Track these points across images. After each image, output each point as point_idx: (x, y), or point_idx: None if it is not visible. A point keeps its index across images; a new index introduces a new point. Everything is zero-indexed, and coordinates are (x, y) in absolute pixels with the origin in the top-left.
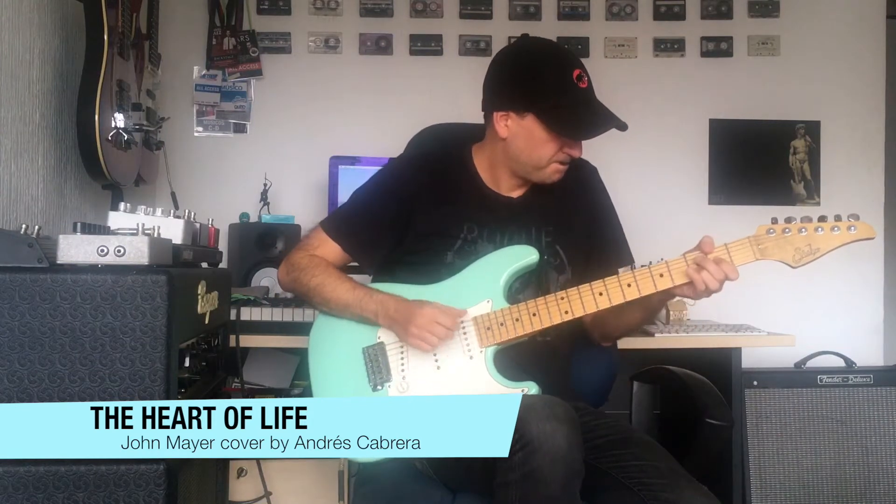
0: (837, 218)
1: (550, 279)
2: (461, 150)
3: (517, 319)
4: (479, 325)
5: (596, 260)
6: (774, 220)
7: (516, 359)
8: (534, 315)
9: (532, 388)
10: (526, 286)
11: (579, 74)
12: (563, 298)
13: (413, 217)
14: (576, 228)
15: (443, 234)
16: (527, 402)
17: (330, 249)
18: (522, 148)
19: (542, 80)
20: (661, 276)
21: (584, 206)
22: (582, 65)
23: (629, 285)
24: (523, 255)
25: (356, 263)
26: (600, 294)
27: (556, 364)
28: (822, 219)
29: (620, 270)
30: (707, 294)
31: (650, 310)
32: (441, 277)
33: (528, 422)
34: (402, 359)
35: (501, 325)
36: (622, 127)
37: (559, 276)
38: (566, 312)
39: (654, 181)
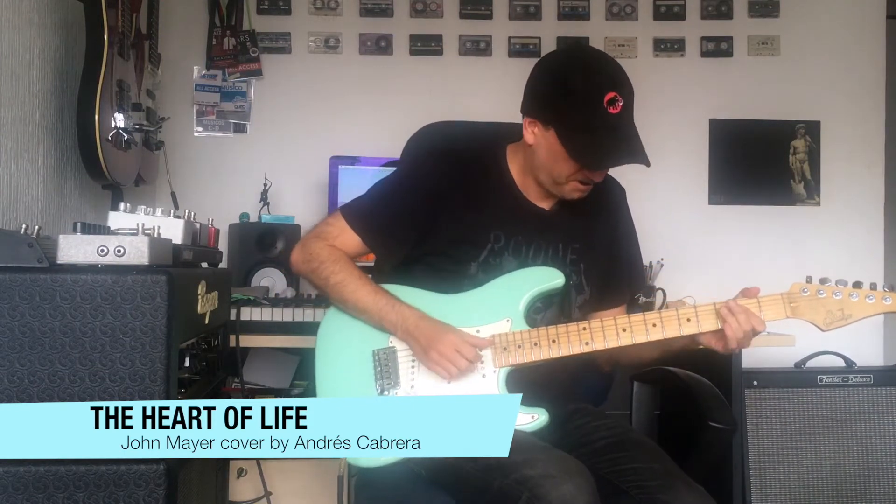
0: (873, 286)
1: (572, 299)
2: (495, 149)
3: (535, 344)
4: (496, 345)
5: (612, 284)
6: (809, 280)
7: (523, 370)
8: (553, 342)
9: (542, 415)
10: (549, 305)
11: (612, 98)
12: (584, 329)
13: (442, 215)
14: (598, 248)
15: (469, 241)
16: (540, 469)
17: (349, 241)
18: (544, 159)
19: (570, 99)
20: (689, 320)
21: (608, 228)
22: (622, 87)
23: (654, 325)
24: (549, 279)
25: (375, 259)
26: (623, 330)
27: (565, 376)
28: (856, 285)
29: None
30: (735, 348)
31: (669, 351)
32: (462, 288)
33: (546, 487)
34: (413, 367)
35: (519, 347)
36: (643, 163)
37: (578, 295)
38: (586, 344)
39: (653, 181)
